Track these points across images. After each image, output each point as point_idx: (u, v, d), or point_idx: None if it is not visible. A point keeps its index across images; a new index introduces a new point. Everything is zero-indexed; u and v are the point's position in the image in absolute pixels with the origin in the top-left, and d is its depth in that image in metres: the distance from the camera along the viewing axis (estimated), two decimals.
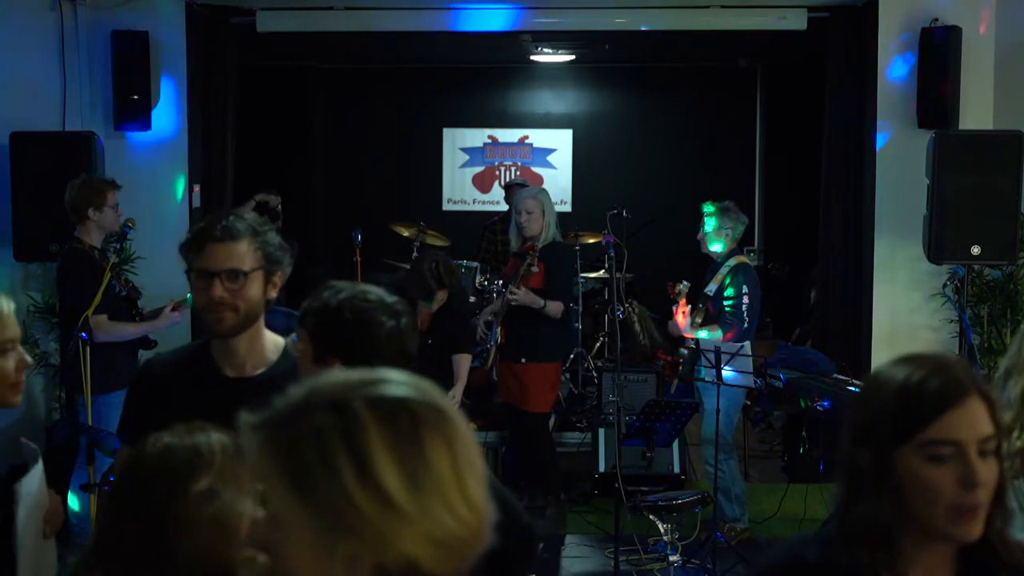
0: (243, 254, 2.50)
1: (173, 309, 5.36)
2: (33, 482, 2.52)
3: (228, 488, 1.77)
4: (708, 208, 6.02)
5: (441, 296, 5.78)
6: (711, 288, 5.96)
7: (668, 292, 6.00)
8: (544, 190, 6.44)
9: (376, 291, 2.31)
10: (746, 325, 5.85)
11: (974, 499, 1.53)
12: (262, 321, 2.61)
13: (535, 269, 5.87)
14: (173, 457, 1.79)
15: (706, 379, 5.65)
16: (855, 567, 1.59)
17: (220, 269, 2.50)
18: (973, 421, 1.55)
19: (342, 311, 2.24)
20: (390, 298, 2.30)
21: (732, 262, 5.95)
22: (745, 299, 5.85)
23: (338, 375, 1.21)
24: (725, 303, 5.87)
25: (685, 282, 5.97)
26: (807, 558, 1.67)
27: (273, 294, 2.60)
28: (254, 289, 2.52)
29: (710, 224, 5.97)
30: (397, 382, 1.20)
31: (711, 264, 6.08)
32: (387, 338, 2.22)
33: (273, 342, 2.63)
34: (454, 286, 5.88)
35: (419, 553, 1.12)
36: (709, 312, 5.92)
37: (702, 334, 5.84)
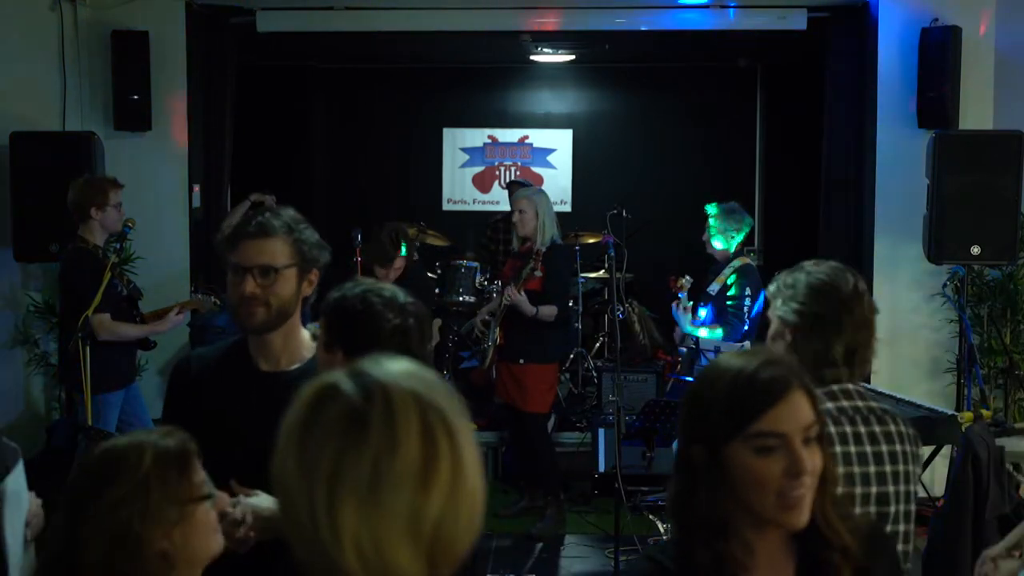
0: (276, 250, 2.51)
1: (179, 312, 5.37)
2: (15, 482, 2.51)
3: (140, 503, 1.70)
4: (712, 209, 6.02)
5: (399, 264, 6.13)
6: (714, 287, 5.96)
7: (670, 285, 5.99)
8: (541, 190, 6.44)
9: (394, 290, 2.32)
10: (745, 327, 5.85)
11: (800, 486, 1.62)
12: (297, 318, 2.62)
13: (539, 274, 5.87)
14: (106, 457, 1.75)
15: None
16: (704, 564, 1.64)
17: (252, 265, 2.50)
18: (797, 413, 1.63)
19: (353, 302, 2.27)
20: (405, 298, 2.30)
21: (736, 263, 5.94)
22: (748, 300, 5.85)
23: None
24: (728, 303, 5.87)
25: (688, 276, 5.97)
26: (663, 563, 1.70)
27: (308, 291, 2.61)
28: (287, 286, 2.53)
29: (714, 225, 5.96)
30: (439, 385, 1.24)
31: (714, 264, 6.08)
32: (389, 334, 2.22)
33: (309, 339, 2.64)
34: (411, 254, 6.19)
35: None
36: (710, 311, 5.92)
37: (702, 333, 5.83)
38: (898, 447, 2.39)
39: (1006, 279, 6.38)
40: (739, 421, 1.61)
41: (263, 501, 2.24)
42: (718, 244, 5.97)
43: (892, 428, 2.40)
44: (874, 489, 2.34)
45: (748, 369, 1.64)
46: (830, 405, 2.34)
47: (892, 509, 2.36)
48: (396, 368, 1.21)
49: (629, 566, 1.61)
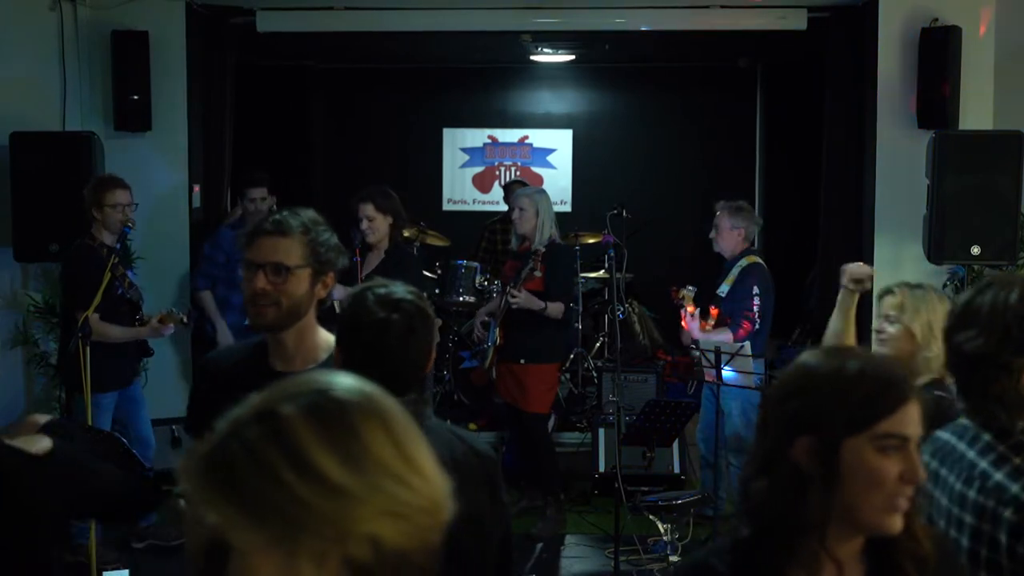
0: (290, 249, 2.52)
1: (160, 321, 5.39)
2: None
3: None
4: (725, 207, 5.98)
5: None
6: (723, 289, 5.93)
7: (672, 297, 5.95)
8: (542, 190, 6.44)
9: (391, 286, 2.30)
10: (757, 326, 5.81)
11: (910, 492, 1.60)
12: (312, 318, 2.63)
13: (538, 273, 5.87)
14: None
15: (728, 382, 5.53)
16: (766, 570, 1.60)
17: (265, 262, 2.52)
18: (916, 419, 1.62)
19: (348, 300, 2.27)
20: (401, 293, 2.28)
21: (744, 262, 5.92)
22: (756, 300, 5.81)
23: (266, 390, 1.20)
24: (737, 304, 5.84)
25: (690, 286, 5.89)
26: (715, 567, 1.67)
27: (323, 293, 2.62)
28: (299, 286, 2.54)
29: (726, 223, 5.93)
30: (321, 380, 1.19)
31: (724, 264, 6.06)
32: (368, 330, 2.21)
33: (326, 341, 2.64)
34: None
35: (380, 530, 1.11)
36: (720, 313, 5.88)
37: (716, 336, 5.74)
38: None
39: None
40: (869, 416, 1.58)
41: None
42: (733, 245, 5.93)
43: None
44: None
45: (874, 366, 1.62)
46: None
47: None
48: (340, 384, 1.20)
49: (677, 570, 1.55)
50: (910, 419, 1.60)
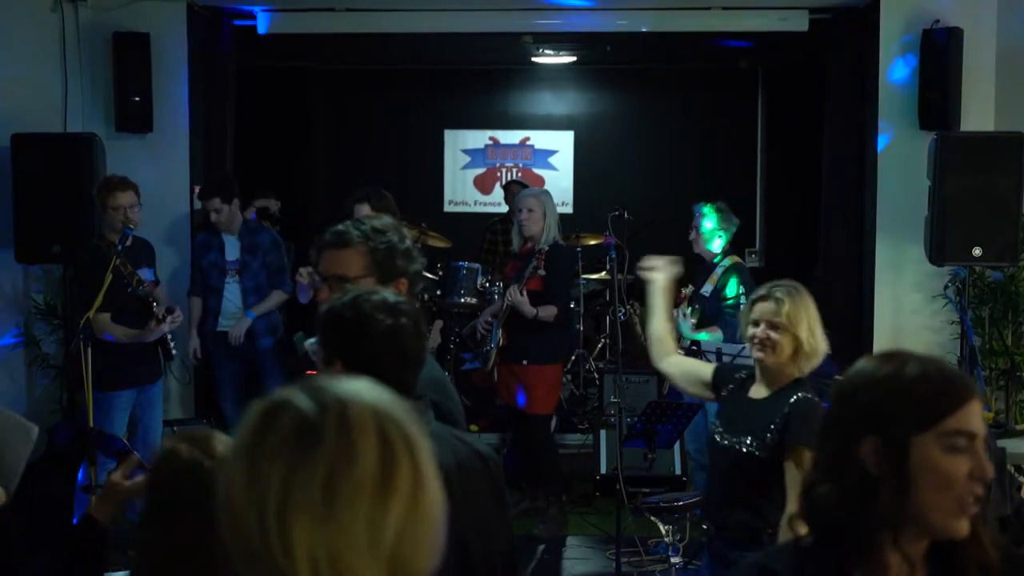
0: (350, 260, 2.54)
1: (158, 322, 5.40)
2: None
3: None
4: (705, 208, 6.02)
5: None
6: (707, 289, 5.96)
7: (677, 297, 5.96)
8: (547, 191, 6.44)
9: (384, 292, 2.28)
10: None
11: (979, 491, 1.58)
12: None
13: (542, 272, 5.88)
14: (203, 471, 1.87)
15: None
16: (831, 574, 1.59)
17: (328, 274, 2.56)
18: (980, 417, 1.61)
19: (342, 311, 2.22)
20: (396, 298, 2.26)
21: (727, 262, 5.96)
22: (744, 298, 5.83)
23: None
24: (724, 304, 5.86)
25: (691, 285, 5.97)
26: (776, 571, 1.66)
27: None
28: None
29: (708, 223, 5.96)
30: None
31: (703, 265, 6.08)
32: (382, 337, 2.17)
33: None
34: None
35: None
36: (705, 313, 5.91)
37: (703, 336, 5.82)
38: None
39: (1008, 281, 6.38)
40: (935, 413, 1.58)
41: None
42: (715, 245, 5.97)
43: None
44: None
45: (935, 366, 1.62)
46: None
47: None
48: (355, 385, 1.16)
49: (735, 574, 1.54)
50: (975, 416, 1.59)
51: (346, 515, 1.08)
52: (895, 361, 1.64)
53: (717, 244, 5.99)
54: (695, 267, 6.16)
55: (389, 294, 2.27)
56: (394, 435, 1.12)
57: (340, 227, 2.58)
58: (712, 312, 5.90)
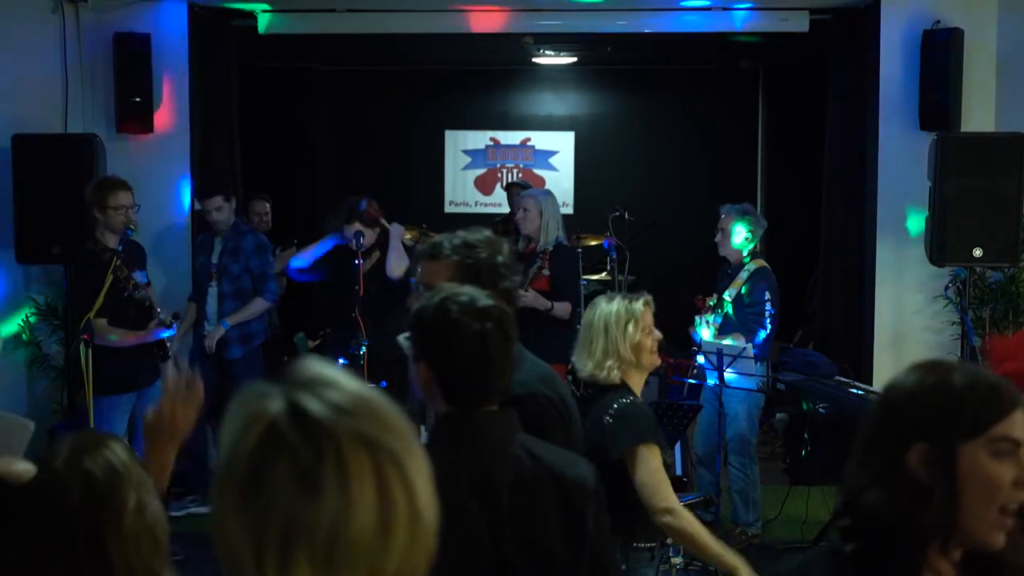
0: (441, 272, 2.59)
1: (158, 325, 5.40)
2: None
3: (148, 495, 1.79)
4: (731, 210, 5.94)
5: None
6: (730, 293, 5.88)
7: (697, 304, 5.92)
8: (548, 191, 6.44)
9: (472, 293, 2.25)
10: (767, 331, 5.78)
11: (1022, 499, 1.60)
12: None
13: (546, 272, 5.88)
14: (96, 481, 1.75)
15: (730, 385, 5.53)
16: None
17: (422, 283, 2.64)
18: None
19: (430, 312, 2.21)
20: (484, 300, 2.23)
21: (752, 266, 5.86)
22: (769, 304, 5.78)
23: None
24: (749, 309, 5.81)
25: (714, 294, 5.93)
26: None
27: None
28: None
29: (740, 231, 5.86)
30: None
31: (724, 267, 6.02)
32: (467, 343, 2.15)
33: None
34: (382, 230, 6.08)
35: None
36: (729, 317, 5.85)
37: (727, 341, 5.70)
38: None
39: (1008, 281, 6.37)
40: (983, 420, 1.60)
41: None
42: (738, 249, 5.88)
43: None
44: None
45: (981, 375, 1.65)
46: None
47: None
48: (340, 401, 1.12)
49: None
50: (1020, 424, 1.61)
51: (346, 563, 1.08)
52: (939, 371, 1.66)
53: (743, 247, 5.88)
54: (716, 269, 6.14)
55: (479, 295, 2.24)
56: (388, 470, 1.11)
57: (436, 239, 2.68)
58: (736, 316, 5.84)
